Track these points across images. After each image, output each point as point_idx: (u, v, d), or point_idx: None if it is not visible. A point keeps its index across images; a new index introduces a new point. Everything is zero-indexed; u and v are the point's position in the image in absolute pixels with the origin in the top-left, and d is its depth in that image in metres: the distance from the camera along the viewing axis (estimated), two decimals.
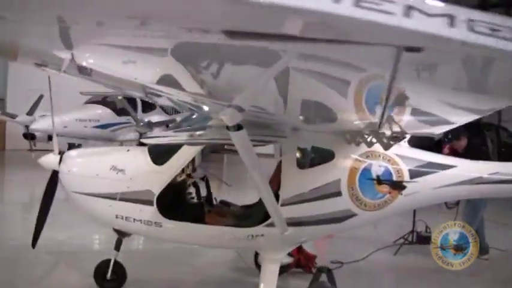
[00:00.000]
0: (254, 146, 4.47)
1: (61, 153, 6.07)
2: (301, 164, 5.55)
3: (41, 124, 14.50)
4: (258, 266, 7.31)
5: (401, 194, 5.62)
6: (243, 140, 3.83)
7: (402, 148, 5.72)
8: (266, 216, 5.38)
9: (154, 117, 16.67)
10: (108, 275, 6.26)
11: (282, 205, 5.31)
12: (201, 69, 3.18)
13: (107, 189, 5.65)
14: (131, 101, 16.45)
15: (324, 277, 5.47)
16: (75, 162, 5.98)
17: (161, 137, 5.50)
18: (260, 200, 6.49)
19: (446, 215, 10.72)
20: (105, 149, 7.28)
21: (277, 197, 5.28)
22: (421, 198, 5.78)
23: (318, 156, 5.66)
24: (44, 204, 6.09)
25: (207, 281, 7.21)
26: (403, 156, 5.67)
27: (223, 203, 6.69)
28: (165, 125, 16.43)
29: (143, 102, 17.45)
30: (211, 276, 7.38)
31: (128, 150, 6.22)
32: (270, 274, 5.54)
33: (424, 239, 9.44)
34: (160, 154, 5.71)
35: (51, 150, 6.08)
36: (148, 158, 5.71)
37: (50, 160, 6.09)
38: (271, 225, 5.27)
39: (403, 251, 8.95)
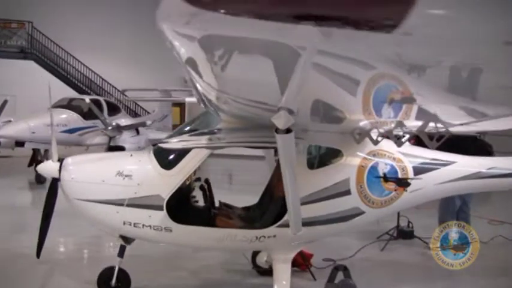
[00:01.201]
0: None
1: (60, 160, 5.95)
2: (311, 165, 5.61)
3: (8, 130, 14.05)
4: (256, 266, 7.34)
5: (406, 191, 5.78)
6: (290, 142, 3.85)
7: (405, 146, 5.86)
8: (278, 217, 5.42)
9: (121, 120, 16.37)
10: (113, 282, 6.16)
11: None
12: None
13: (113, 195, 5.56)
14: (96, 103, 16.11)
15: (340, 275, 5.54)
16: (78, 169, 5.86)
17: (180, 141, 5.43)
18: (261, 201, 6.54)
19: (418, 210, 11.06)
20: (105, 154, 7.16)
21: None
22: (424, 195, 5.96)
23: (327, 156, 5.75)
24: (46, 213, 5.94)
25: (207, 284, 7.18)
26: (406, 154, 5.83)
27: (225, 205, 6.67)
28: (134, 128, 16.17)
29: (108, 105, 17.12)
30: (210, 279, 7.32)
31: (131, 155, 6.14)
32: (282, 274, 5.59)
33: (406, 234, 9.70)
34: (169, 158, 5.66)
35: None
36: (156, 163, 5.64)
37: (49, 167, 5.96)
38: (284, 225, 5.30)
39: (388, 246, 9.13)
